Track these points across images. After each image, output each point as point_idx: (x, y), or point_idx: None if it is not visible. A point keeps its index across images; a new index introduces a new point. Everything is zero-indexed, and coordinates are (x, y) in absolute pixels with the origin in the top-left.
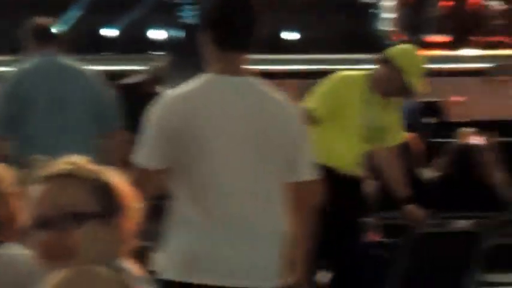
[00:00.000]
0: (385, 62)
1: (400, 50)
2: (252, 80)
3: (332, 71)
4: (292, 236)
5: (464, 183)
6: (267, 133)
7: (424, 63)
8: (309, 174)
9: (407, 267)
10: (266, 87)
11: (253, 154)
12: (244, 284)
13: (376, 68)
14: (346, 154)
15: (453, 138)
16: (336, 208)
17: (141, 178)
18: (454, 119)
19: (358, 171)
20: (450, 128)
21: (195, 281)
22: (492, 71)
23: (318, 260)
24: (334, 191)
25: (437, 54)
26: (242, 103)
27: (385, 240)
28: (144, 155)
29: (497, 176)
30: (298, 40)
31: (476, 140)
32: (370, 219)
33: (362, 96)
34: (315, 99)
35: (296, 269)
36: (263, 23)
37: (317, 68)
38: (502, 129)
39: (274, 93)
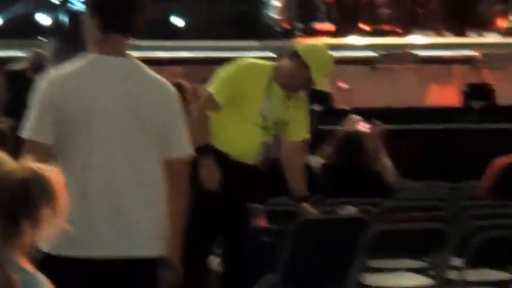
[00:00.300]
0: (294, 57)
1: (311, 47)
2: (133, 61)
3: (221, 58)
4: (167, 210)
5: (350, 170)
6: (145, 113)
7: (332, 62)
8: (181, 152)
9: (294, 253)
10: (147, 69)
11: (132, 133)
12: (120, 253)
13: (283, 61)
14: (242, 142)
15: (339, 126)
16: (228, 194)
17: (31, 151)
18: (340, 107)
19: (253, 159)
20: (336, 115)
21: (70, 254)
22: (379, 59)
23: (210, 245)
24: (227, 177)
25: (324, 41)
26: (123, 84)
27: (272, 226)
28: (30, 129)
29: (383, 163)
30: (186, 26)
31: (363, 127)
32: (258, 206)
33: (265, 86)
34: (217, 83)
35: (170, 243)
36: (150, 8)
37: (205, 56)
38: (388, 116)
39: (154, 75)
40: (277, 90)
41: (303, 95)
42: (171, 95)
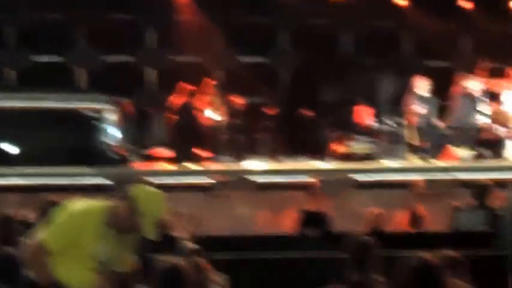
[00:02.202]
0: (126, 200)
1: (145, 193)
2: None
3: (56, 186)
4: None
5: None
6: None
7: (163, 211)
8: None
9: None
10: None
11: None
12: None
13: (116, 202)
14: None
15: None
16: None
17: None
18: (177, 234)
19: None
20: (172, 243)
21: None
22: (216, 186)
23: None
24: None
25: (161, 168)
26: None
27: None
28: None
29: None
30: (19, 153)
31: None
32: None
33: (98, 231)
34: (50, 230)
35: None
36: None
37: (40, 183)
38: (225, 245)
39: None
40: (110, 232)
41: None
42: None
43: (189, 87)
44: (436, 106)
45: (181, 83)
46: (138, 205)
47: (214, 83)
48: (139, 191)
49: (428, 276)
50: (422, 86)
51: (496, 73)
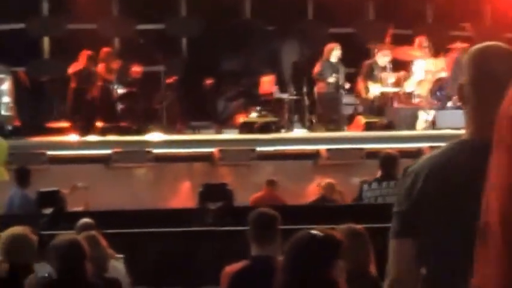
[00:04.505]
0: None
1: None
2: None
3: None
4: None
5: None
6: None
7: (6, 152)
8: None
9: None
10: None
11: None
12: None
13: None
14: None
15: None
16: None
17: None
18: (74, 209)
19: None
20: (70, 219)
21: None
22: (115, 157)
23: None
24: None
25: (59, 140)
26: None
27: None
28: None
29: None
30: None
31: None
32: None
33: None
34: None
35: None
36: None
37: None
38: (125, 219)
39: None
40: None
41: None
42: None
43: (87, 55)
44: (344, 73)
45: (78, 51)
46: None
47: (111, 51)
48: None
49: (317, 249)
50: (331, 52)
51: (402, 40)
